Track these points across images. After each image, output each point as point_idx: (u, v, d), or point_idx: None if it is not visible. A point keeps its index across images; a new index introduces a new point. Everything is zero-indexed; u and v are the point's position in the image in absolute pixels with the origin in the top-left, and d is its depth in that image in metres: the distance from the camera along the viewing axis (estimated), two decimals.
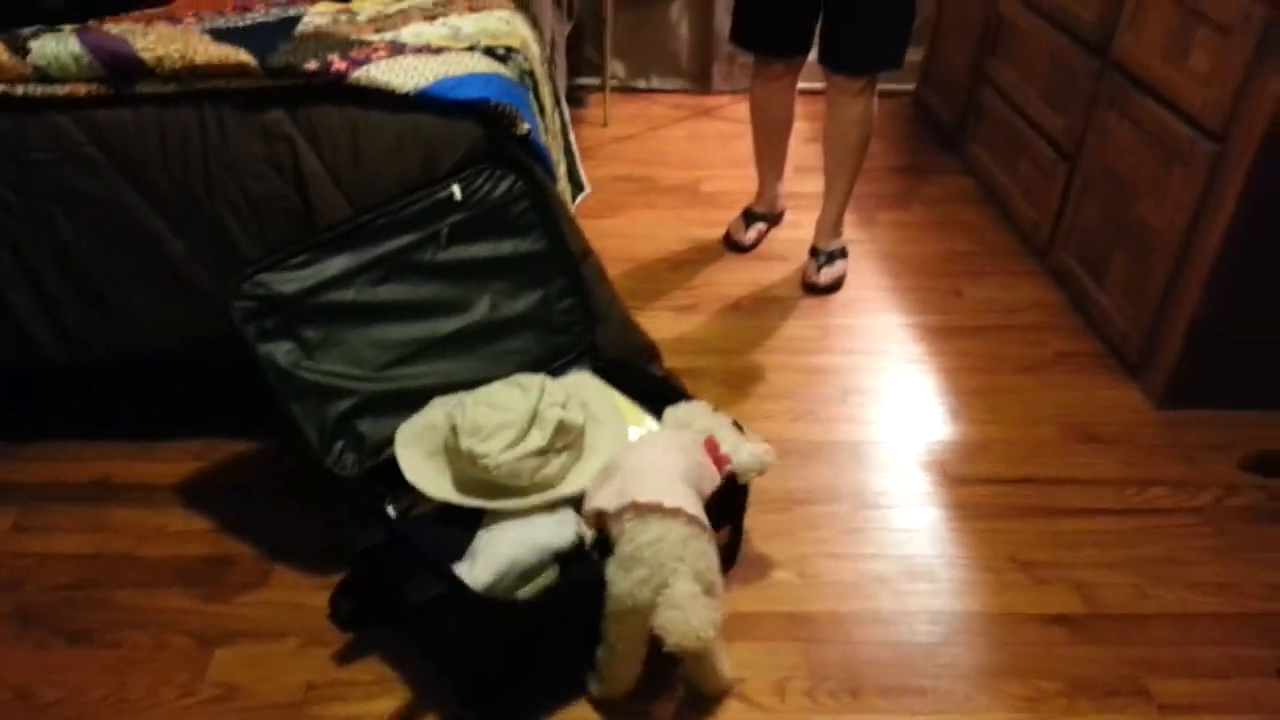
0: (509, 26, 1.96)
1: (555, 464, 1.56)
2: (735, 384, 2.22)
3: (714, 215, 2.91)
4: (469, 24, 1.92)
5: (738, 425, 1.68)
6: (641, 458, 1.50)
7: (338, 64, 1.67)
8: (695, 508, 1.43)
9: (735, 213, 2.85)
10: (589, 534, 1.48)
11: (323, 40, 1.75)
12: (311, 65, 1.66)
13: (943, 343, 2.38)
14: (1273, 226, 1.93)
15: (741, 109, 3.59)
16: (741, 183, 3.08)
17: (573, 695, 1.52)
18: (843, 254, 2.61)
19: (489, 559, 1.44)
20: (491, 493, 1.54)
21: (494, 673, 1.47)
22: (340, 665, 1.56)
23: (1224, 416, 2.15)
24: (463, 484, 1.56)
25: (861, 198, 2.90)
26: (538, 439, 1.54)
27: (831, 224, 2.59)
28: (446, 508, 1.55)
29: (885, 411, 2.15)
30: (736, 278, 2.62)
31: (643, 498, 1.38)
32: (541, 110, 1.98)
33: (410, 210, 1.73)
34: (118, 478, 1.91)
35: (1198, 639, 1.66)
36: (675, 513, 1.38)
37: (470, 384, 1.71)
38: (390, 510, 1.60)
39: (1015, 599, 1.72)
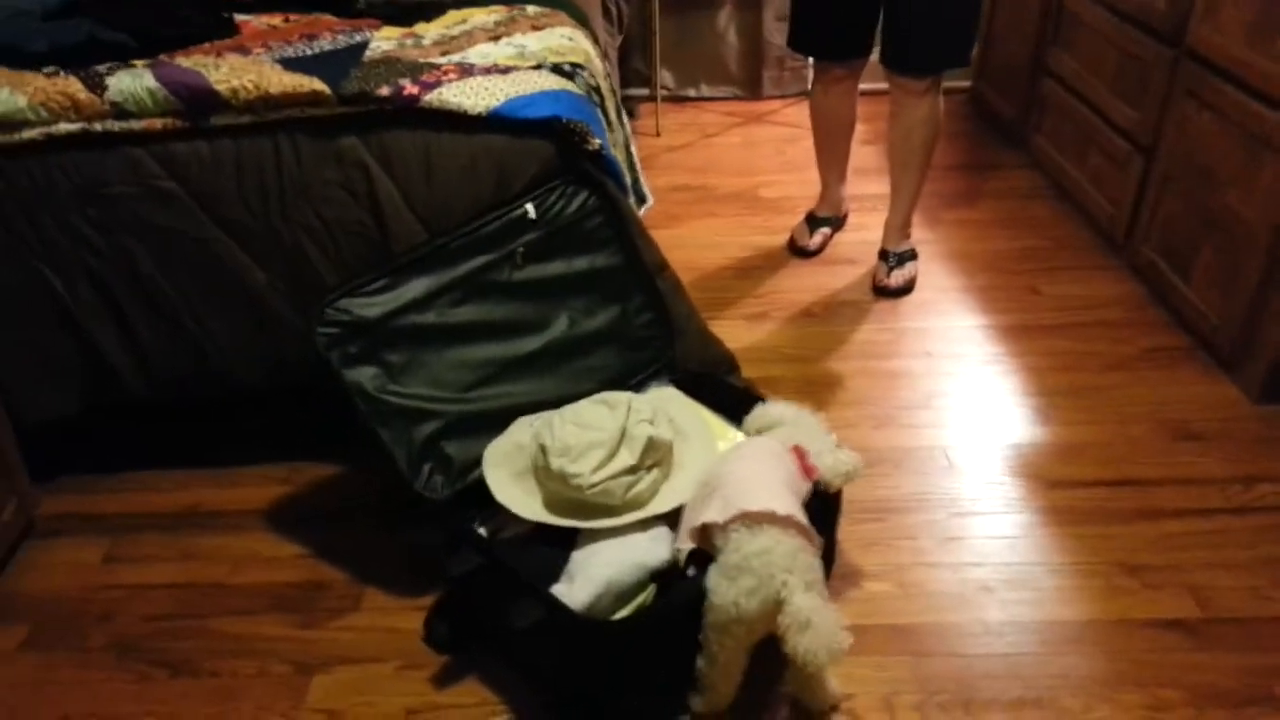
0: (573, 43, 1.95)
1: (646, 481, 1.53)
2: (813, 392, 2.17)
3: (776, 221, 2.87)
4: (533, 42, 1.91)
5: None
6: (742, 468, 1.47)
7: (409, 88, 1.66)
8: (803, 516, 1.39)
9: (796, 218, 2.82)
10: (686, 548, 1.44)
11: (392, 65, 1.75)
12: (384, 91, 1.66)
13: (1023, 342, 2.32)
14: None
15: (794, 113, 3.57)
16: (801, 187, 3.05)
17: (674, 713, 1.48)
18: (913, 255, 2.56)
19: (586, 580, 1.42)
20: (584, 512, 1.51)
21: (597, 692, 1.44)
22: (440, 688, 1.54)
23: None
24: (554, 504, 1.53)
25: (925, 196, 2.83)
26: (627, 457, 1.51)
27: (900, 226, 2.54)
28: (538, 528, 1.52)
29: (971, 415, 2.10)
30: (805, 284, 2.58)
31: (753, 507, 1.35)
32: (609, 124, 1.96)
33: (485, 231, 1.72)
34: (205, 506, 1.92)
35: None
36: (786, 521, 1.35)
37: (553, 403, 1.70)
38: (481, 531, 1.58)
39: (1126, 605, 1.66)
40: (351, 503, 1.91)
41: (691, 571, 1.43)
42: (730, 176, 3.15)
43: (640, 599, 1.46)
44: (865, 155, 3.16)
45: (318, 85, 1.65)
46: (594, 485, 1.47)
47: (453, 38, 1.92)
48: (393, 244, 1.72)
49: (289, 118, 1.67)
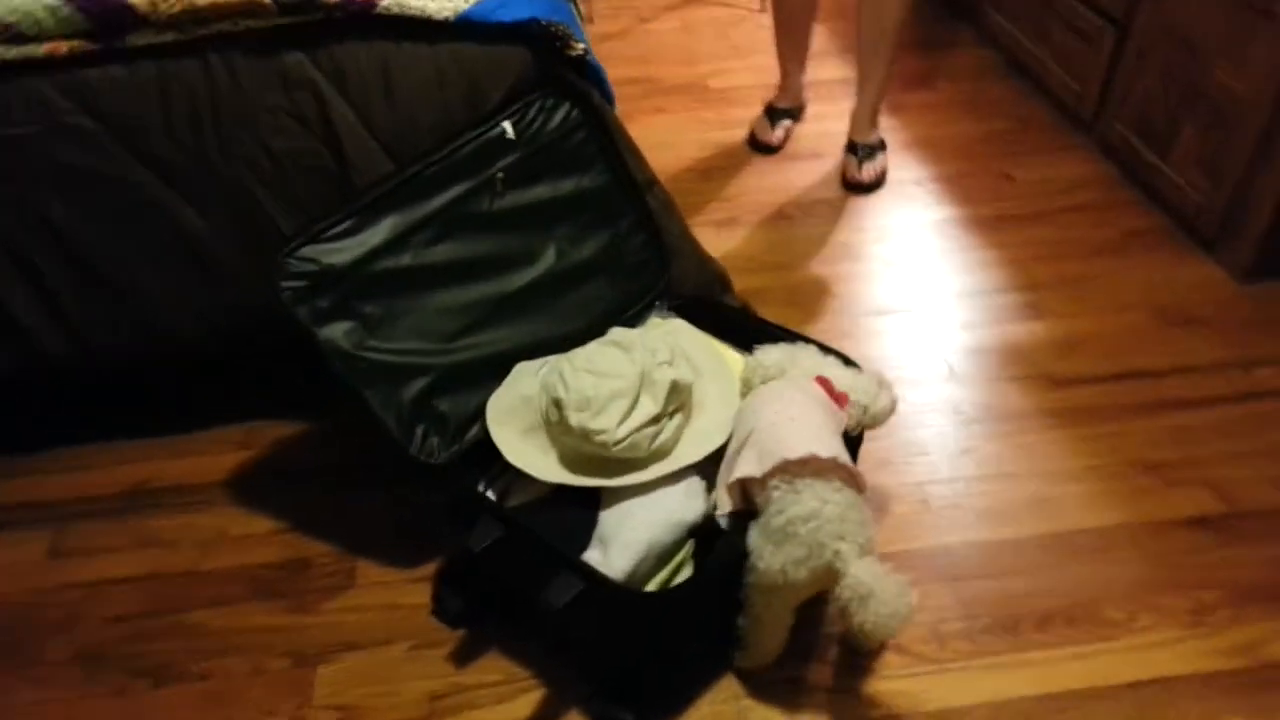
0: None
1: (670, 429, 1.40)
2: (801, 303, 2.06)
3: (730, 114, 2.70)
4: None
5: (844, 358, 1.53)
6: (772, 411, 1.34)
7: None
8: (846, 455, 1.28)
9: (751, 109, 2.65)
10: (725, 509, 1.33)
11: None
12: None
13: (1007, 233, 2.24)
14: None
15: None
16: (751, 74, 2.87)
17: (719, 670, 1.40)
18: (883, 146, 2.43)
19: (624, 545, 1.30)
20: (607, 469, 1.38)
21: (637, 661, 1.34)
22: (460, 668, 1.43)
23: None
24: (571, 461, 1.40)
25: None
26: (650, 406, 1.37)
27: (869, 115, 2.40)
28: (557, 489, 1.39)
29: (967, 315, 2.02)
30: (772, 182, 2.44)
31: (793, 454, 1.23)
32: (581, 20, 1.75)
33: (460, 155, 1.52)
34: (157, 481, 1.72)
35: None
36: (831, 466, 1.24)
37: (549, 342, 1.55)
38: (489, 495, 1.44)
39: (1151, 506, 1.63)
40: (323, 462, 1.74)
41: (725, 524, 1.32)
42: (674, 66, 2.95)
43: (679, 557, 1.35)
44: (817, 36, 2.97)
45: None
46: (620, 441, 1.34)
47: None
48: (354, 177, 1.51)
49: (220, 33, 1.42)
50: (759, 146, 2.55)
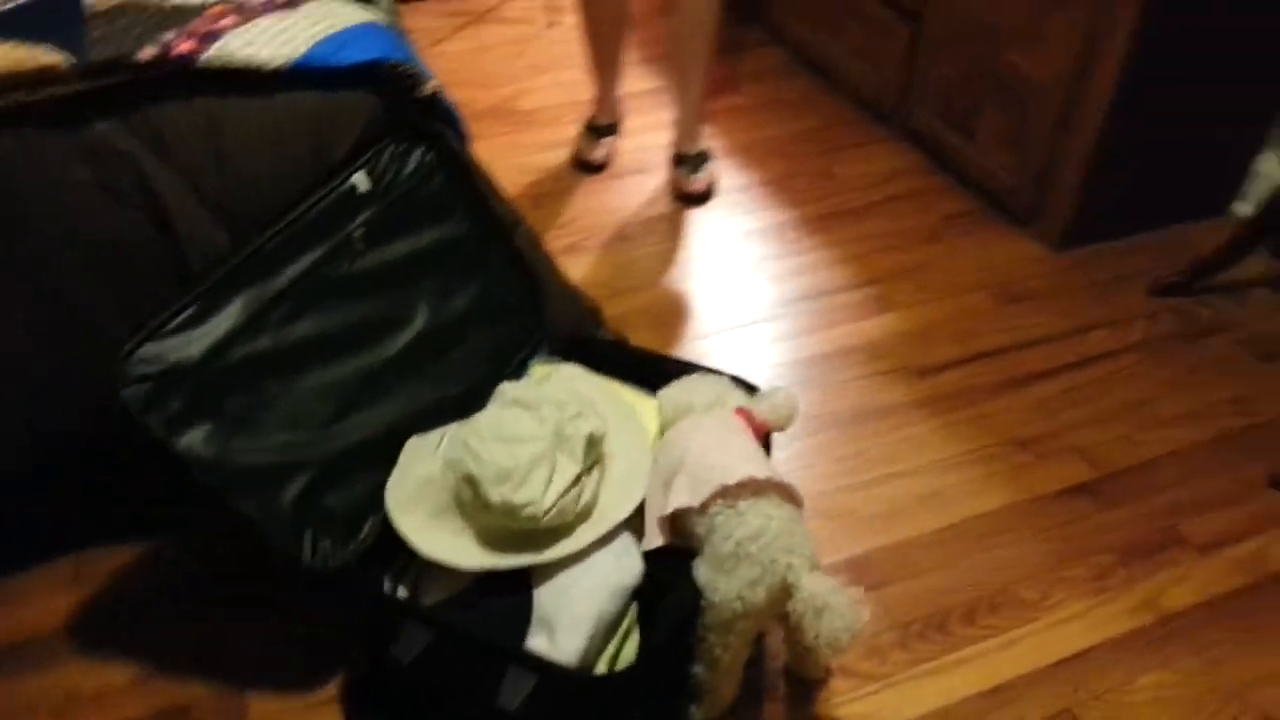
0: None
1: (590, 486, 1.32)
2: (667, 322, 2.02)
3: (546, 135, 2.62)
4: None
5: (741, 382, 1.50)
6: (698, 442, 1.30)
7: (181, 44, 1.24)
8: (780, 477, 1.25)
9: (566, 129, 2.59)
10: (655, 537, 1.27)
11: (138, 14, 1.30)
12: (148, 52, 1.23)
13: (842, 229, 2.29)
14: (1166, 56, 1.97)
15: (519, 7, 3.26)
16: (559, 91, 2.80)
17: None
18: (710, 156, 2.43)
19: (571, 624, 1.20)
20: (533, 542, 1.27)
21: None
22: None
23: (1116, 247, 2.23)
24: (491, 541, 1.28)
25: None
26: (570, 465, 1.28)
27: (693, 124, 2.39)
28: (481, 575, 1.27)
29: (825, 316, 2.05)
30: (605, 203, 2.38)
31: (731, 479, 1.20)
32: None
33: (309, 218, 1.36)
34: None
35: (1197, 472, 1.72)
36: (769, 485, 1.21)
37: (436, 409, 1.43)
38: (400, 592, 1.30)
39: (1031, 481, 1.71)
40: (178, 585, 1.52)
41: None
42: (476, 90, 2.82)
43: (625, 624, 1.27)
44: None
45: (47, 56, 1.18)
46: (549, 510, 1.24)
47: None
48: (190, 256, 1.32)
49: (13, 105, 1.19)
50: (584, 166, 2.48)
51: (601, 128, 2.50)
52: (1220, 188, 2.32)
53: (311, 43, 1.32)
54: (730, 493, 1.20)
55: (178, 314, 1.25)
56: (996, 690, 1.40)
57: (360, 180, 1.39)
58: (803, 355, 1.95)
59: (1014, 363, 1.94)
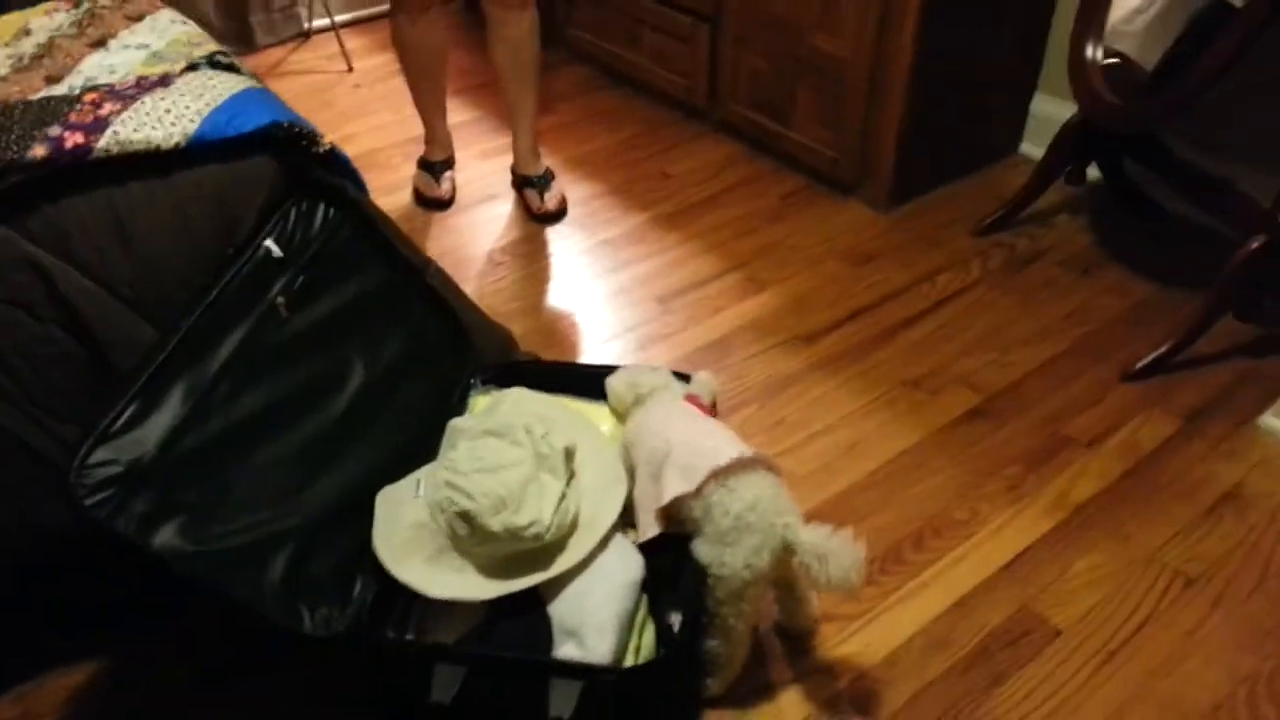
0: (190, 26, 1.51)
1: (572, 497, 1.35)
2: (560, 340, 2.06)
3: (383, 179, 2.58)
4: (153, 37, 1.44)
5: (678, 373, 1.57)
6: (675, 432, 1.36)
7: (71, 137, 1.17)
8: (758, 451, 1.33)
9: (397, 172, 2.58)
10: (651, 527, 1.33)
11: (8, 114, 1.21)
12: (39, 151, 1.15)
13: (692, 223, 2.41)
14: (949, 24, 2.20)
15: (305, 57, 3.20)
16: (379, 135, 2.77)
17: (695, 707, 1.38)
18: (553, 174, 2.48)
19: (599, 627, 1.23)
20: (535, 561, 1.29)
21: None
22: None
23: (933, 199, 2.47)
24: (494, 570, 1.29)
25: (498, 115, 2.75)
26: (554, 482, 1.31)
27: (532, 147, 2.44)
28: (490, 605, 1.27)
29: (706, 305, 2.15)
30: (463, 235, 2.39)
31: (721, 461, 1.27)
32: None
33: (229, 293, 1.32)
34: None
35: (1062, 382, 1.94)
36: (754, 462, 1.30)
37: (394, 458, 1.42)
38: (408, 638, 1.28)
39: (932, 416, 1.87)
40: (148, 694, 1.42)
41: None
42: None
43: (639, 617, 1.31)
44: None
45: None
46: (549, 527, 1.26)
47: (36, 58, 1.37)
48: (112, 354, 1.25)
49: None
50: (431, 204, 2.47)
51: (438, 164, 2.50)
52: (1008, 131, 2.61)
53: (201, 117, 1.27)
54: (722, 473, 1.27)
55: (120, 414, 1.18)
56: (960, 602, 1.54)
57: (272, 246, 1.36)
58: (699, 344, 2.04)
59: (882, 315, 2.11)
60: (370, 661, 1.27)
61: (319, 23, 3.30)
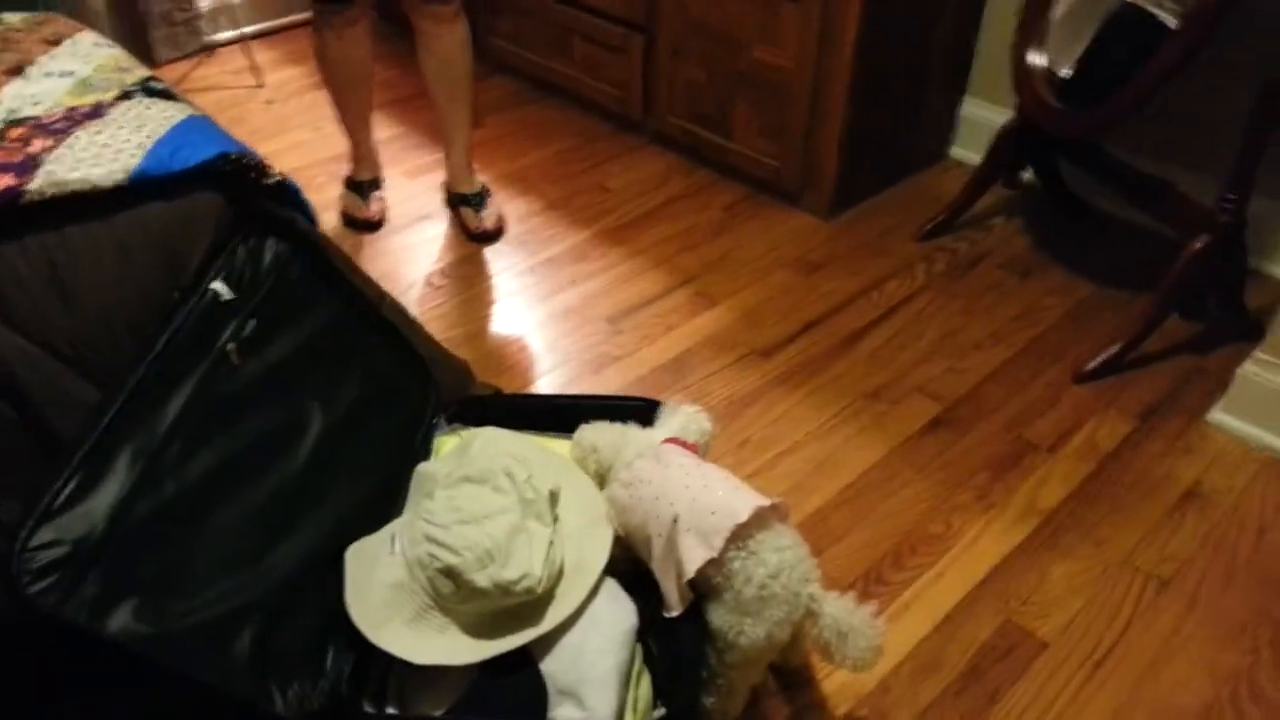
0: (116, 50, 1.39)
1: (559, 543, 1.28)
2: (510, 366, 1.98)
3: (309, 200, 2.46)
4: (79, 63, 1.32)
5: (642, 401, 1.51)
6: (685, 488, 1.25)
7: (1, 180, 1.05)
8: (767, 496, 1.26)
9: (323, 192, 2.46)
10: (676, 601, 1.22)
11: None
12: None
13: (636, 238, 2.36)
14: (886, 37, 2.20)
15: (210, 73, 3.04)
16: (299, 154, 2.65)
17: None
18: (489, 191, 2.40)
19: (598, 684, 1.16)
20: (522, 616, 1.22)
21: None
22: None
23: (873, 206, 2.47)
24: (480, 628, 1.21)
25: (422, 131, 2.66)
26: (542, 529, 1.24)
27: (467, 164, 2.35)
28: (480, 667, 1.20)
29: (660, 322, 2.10)
30: (398, 258, 2.29)
31: (741, 517, 1.18)
32: None
33: (177, 342, 1.21)
34: None
35: (1018, 386, 1.96)
36: (769, 514, 1.22)
37: (360, 510, 1.33)
38: (389, 711, 1.20)
39: (896, 425, 1.86)
40: None
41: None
42: None
43: (635, 668, 1.25)
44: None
45: None
46: (540, 579, 1.19)
47: None
48: (51, 418, 1.13)
49: None
50: (360, 226, 2.36)
51: (365, 183, 2.39)
52: (939, 136, 2.63)
53: (143, 151, 1.16)
54: (740, 533, 1.18)
55: (63, 488, 1.07)
56: (945, 621, 1.52)
57: (220, 288, 1.25)
58: (655, 364, 1.99)
59: (836, 325, 2.10)
60: None
61: (223, 35, 3.14)
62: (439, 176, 2.51)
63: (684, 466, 1.30)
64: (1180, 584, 1.58)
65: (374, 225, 2.37)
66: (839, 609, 1.18)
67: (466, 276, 2.24)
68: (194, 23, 3.06)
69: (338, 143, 2.44)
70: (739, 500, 1.21)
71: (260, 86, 2.97)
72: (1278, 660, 1.47)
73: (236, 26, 3.03)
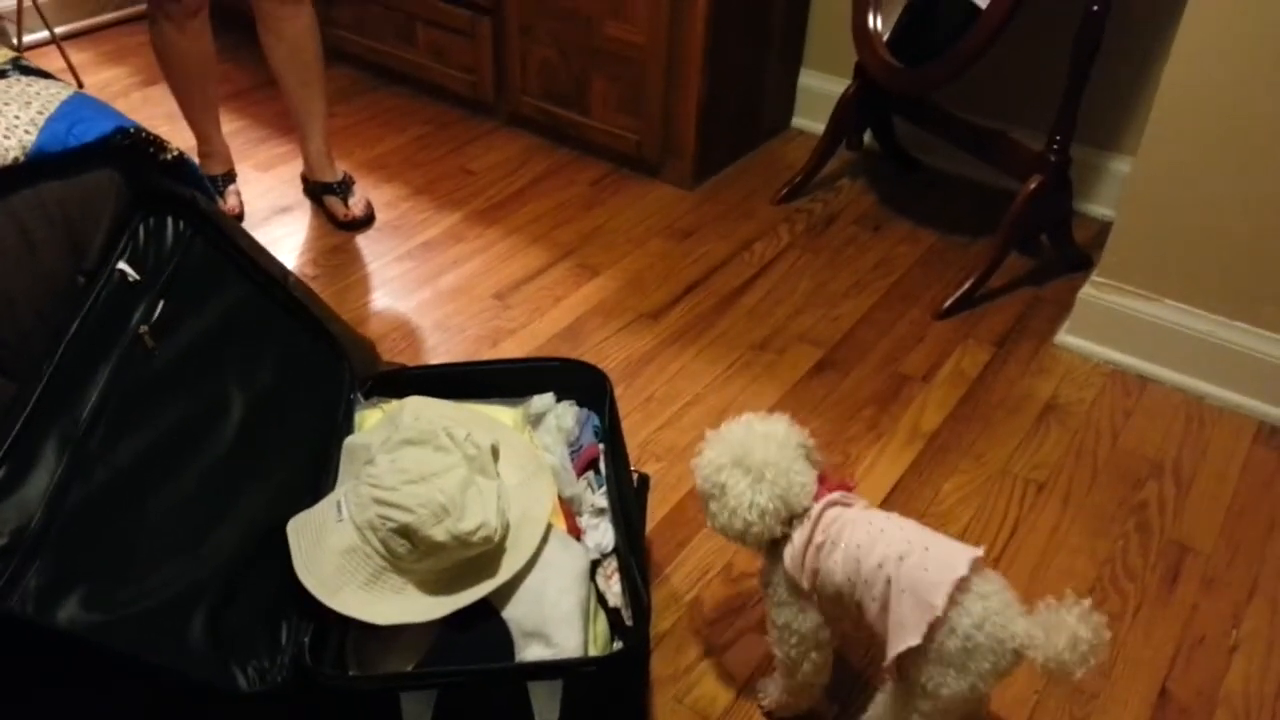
0: None
1: (505, 496, 1.29)
2: (408, 349, 1.96)
3: None
4: None
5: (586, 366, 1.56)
6: (885, 543, 1.13)
7: None
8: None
9: None
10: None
11: None
12: None
13: (509, 217, 2.37)
14: (732, 11, 2.31)
15: None
16: None
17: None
18: (353, 179, 2.35)
19: (563, 622, 1.19)
20: (477, 569, 1.23)
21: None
22: None
23: (730, 174, 2.58)
24: (437, 585, 1.21)
25: (265, 124, 2.58)
26: (489, 483, 1.26)
27: (326, 152, 2.30)
28: (440, 624, 1.20)
29: (547, 295, 2.13)
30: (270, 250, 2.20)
31: (958, 572, 1.07)
32: None
33: (88, 326, 1.15)
34: None
35: (887, 327, 2.10)
36: (979, 559, 1.11)
37: (294, 487, 1.30)
38: (351, 672, 1.19)
39: (785, 372, 1.96)
40: None
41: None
42: None
43: (592, 605, 1.28)
44: (158, 96, 2.68)
45: None
46: (498, 527, 1.21)
47: None
48: None
49: None
50: None
51: (219, 178, 2.30)
52: (783, 107, 2.77)
53: (37, 127, 1.10)
54: (959, 586, 1.08)
55: None
56: None
57: (126, 269, 1.20)
58: (550, 334, 2.02)
59: (715, 285, 2.19)
60: (326, 708, 1.16)
61: (33, 38, 2.93)
62: (293, 168, 2.44)
63: (874, 517, 1.20)
64: (1053, 486, 1.75)
65: (235, 220, 2.27)
66: (1052, 648, 1.05)
67: (341, 265, 2.19)
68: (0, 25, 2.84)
69: (181, 139, 2.32)
70: (944, 551, 1.12)
71: (80, 88, 2.79)
72: (1143, 542, 1.65)
73: (49, 27, 2.83)
